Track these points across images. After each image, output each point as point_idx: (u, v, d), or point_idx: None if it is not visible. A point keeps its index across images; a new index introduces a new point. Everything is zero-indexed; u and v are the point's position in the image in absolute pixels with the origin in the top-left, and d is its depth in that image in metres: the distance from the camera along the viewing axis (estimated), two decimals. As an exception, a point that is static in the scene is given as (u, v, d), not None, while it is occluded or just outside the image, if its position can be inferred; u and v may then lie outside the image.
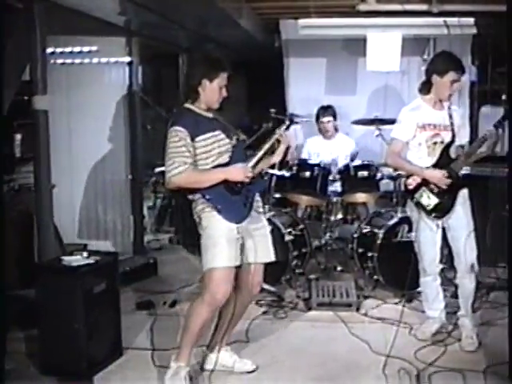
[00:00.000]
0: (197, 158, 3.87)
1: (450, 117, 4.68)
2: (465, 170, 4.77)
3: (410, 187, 4.75)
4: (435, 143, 4.67)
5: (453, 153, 4.68)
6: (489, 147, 4.52)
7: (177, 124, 3.84)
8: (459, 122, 4.77)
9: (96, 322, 4.26)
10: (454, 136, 4.65)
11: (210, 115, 4.04)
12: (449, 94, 4.64)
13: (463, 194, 4.70)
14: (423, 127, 4.69)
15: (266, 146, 4.09)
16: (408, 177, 4.79)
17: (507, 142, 5.15)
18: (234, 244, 3.89)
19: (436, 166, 4.65)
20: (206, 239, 3.94)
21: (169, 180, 3.87)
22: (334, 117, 7.18)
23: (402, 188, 5.30)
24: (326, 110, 7.18)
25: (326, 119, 7.14)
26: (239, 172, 3.87)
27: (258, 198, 4.12)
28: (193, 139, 3.82)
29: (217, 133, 3.94)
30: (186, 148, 3.81)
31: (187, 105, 4.02)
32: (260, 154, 4.06)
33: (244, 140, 4.17)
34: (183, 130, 3.80)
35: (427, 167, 4.67)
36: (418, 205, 4.73)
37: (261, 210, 4.17)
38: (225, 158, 3.93)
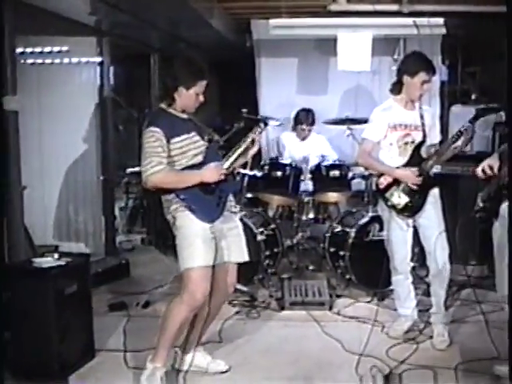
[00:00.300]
0: (172, 159, 3.86)
1: (421, 117, 4.71)
2: (435, 169, 4.81)
3: (381, 186, 4.79)
4: (406, 143, 4.71)
5: (424, 152, 4.73)
6: (463, 142, 4.55)
7: (153, 125, 3.82)
8: (430, 121, 4.81)
9: (68, 323, 4.23)
10: (424, 136, 4.69)
11: (185, 116, 4.03)
12: (419, 94, 4.67)
13: (434, 193, 4.73)
14: (394, 127, 4.72)
15: (241, 149, 4.12)
16: (379, 176, 4.83)
17: (475, 141, 5.20)
18: (209, 243, 3.88)
19: (407, 165, 4.69)
20: (181, 239, 3.92)
21: (146, 179, 3.82)
22: (314, 122, 7.15)
23: (374, 187, 5.33)
24: (307, 116, 7.09)
25: (307, 128, 7.09)
26: (213, 172, 3.87)
27: (231, 197, 4.13)
28: (168, 140, 3.82)
29: (192, 134, 3.96)
30: (162, 148, 3.79)
31: (163, 106, 4.00)
32: (235, 155, 4.09)
33: (217, 141, 4.17)
34: (159, 131, 3.78)
35: (397, 167, 4.71)
36: (389, 204, 4.77)
37: (234, 209, 4.18)
38: (199, 159, 3.94)
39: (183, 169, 3.92)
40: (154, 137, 3.78)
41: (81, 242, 7.29)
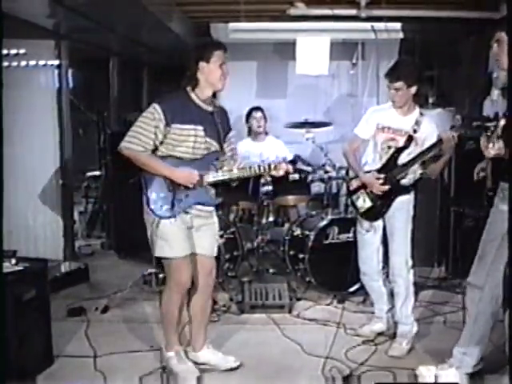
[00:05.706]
0: (166, 142, 4.00)
1: (417, 123, 4.62)
2: (413, 176, 4.71)
3: (351, 188, 4.86)
4: (389, 147, 4.66)
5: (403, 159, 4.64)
6: (446, 150, 4.53)
7: (158, 102, 3.99)
8: (429, 129, 4.65)
9: (26, 330, 4.19)
10: (408, 143, 4.60)
11: (206, 107, 4.18)
12: (393, 99, 4.64)
13: (402, 200, 4.67)
14: (382, 129, 4.69)
15: (235, 175, 4.22)
16: (352, 178, 4.89)
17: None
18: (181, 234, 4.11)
19: (381, 170, 4.67)
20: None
21: (121, 148, 3.98)
22: (265, 118, 7.22)
23: (333, 190, 5.36)
24: (257, 108, 7.24)
25: (258, 115, 7.15)
26: (185, 178, 4.00)
27: (203, 207, 4.28)
28: (168, 124, 3.94)
29: (199, 127, 4.05)
30: (154, 130, 3.93)
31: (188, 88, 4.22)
32: (225, 177, 4.21)
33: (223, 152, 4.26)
34: (160, 111, 3.93)
35: (368, 171, 4.72)
36: (354, 206, 4.83)
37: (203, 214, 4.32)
38: (194, 154, 4.06)
39: (170, 156, 4.00)
40: (152, 115, 3.93)
41: (39, 246, 7.21)
